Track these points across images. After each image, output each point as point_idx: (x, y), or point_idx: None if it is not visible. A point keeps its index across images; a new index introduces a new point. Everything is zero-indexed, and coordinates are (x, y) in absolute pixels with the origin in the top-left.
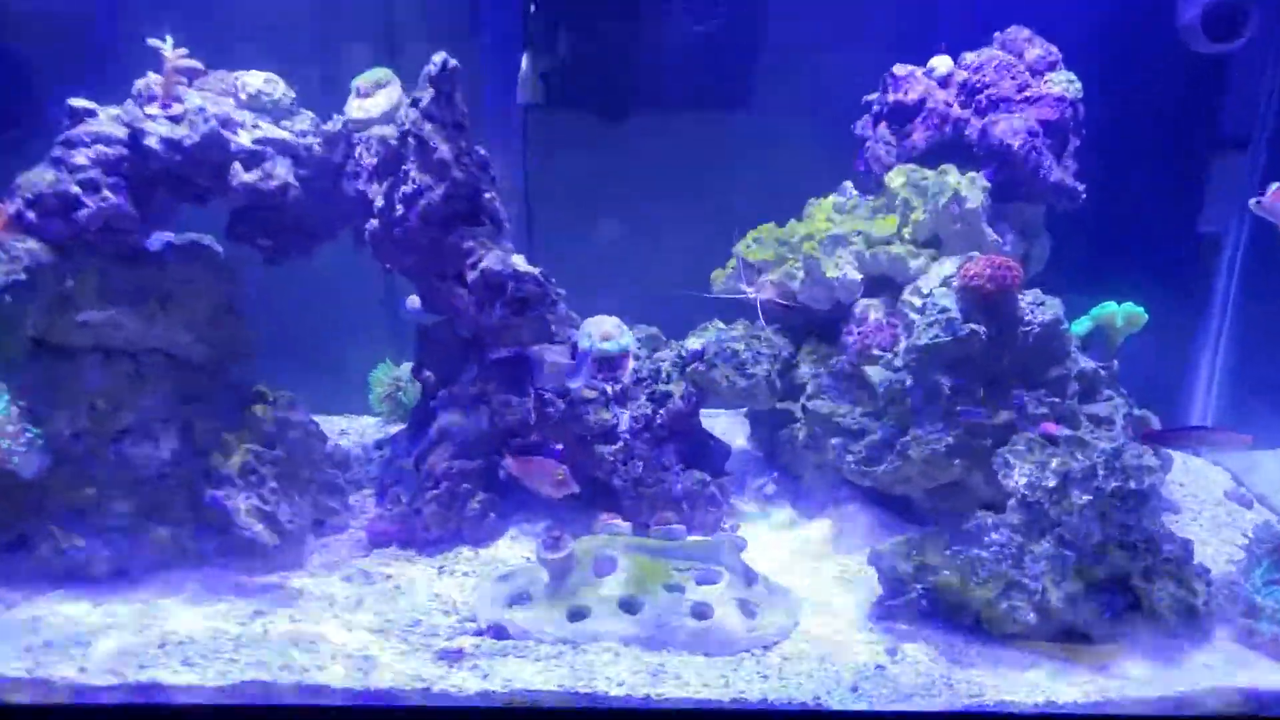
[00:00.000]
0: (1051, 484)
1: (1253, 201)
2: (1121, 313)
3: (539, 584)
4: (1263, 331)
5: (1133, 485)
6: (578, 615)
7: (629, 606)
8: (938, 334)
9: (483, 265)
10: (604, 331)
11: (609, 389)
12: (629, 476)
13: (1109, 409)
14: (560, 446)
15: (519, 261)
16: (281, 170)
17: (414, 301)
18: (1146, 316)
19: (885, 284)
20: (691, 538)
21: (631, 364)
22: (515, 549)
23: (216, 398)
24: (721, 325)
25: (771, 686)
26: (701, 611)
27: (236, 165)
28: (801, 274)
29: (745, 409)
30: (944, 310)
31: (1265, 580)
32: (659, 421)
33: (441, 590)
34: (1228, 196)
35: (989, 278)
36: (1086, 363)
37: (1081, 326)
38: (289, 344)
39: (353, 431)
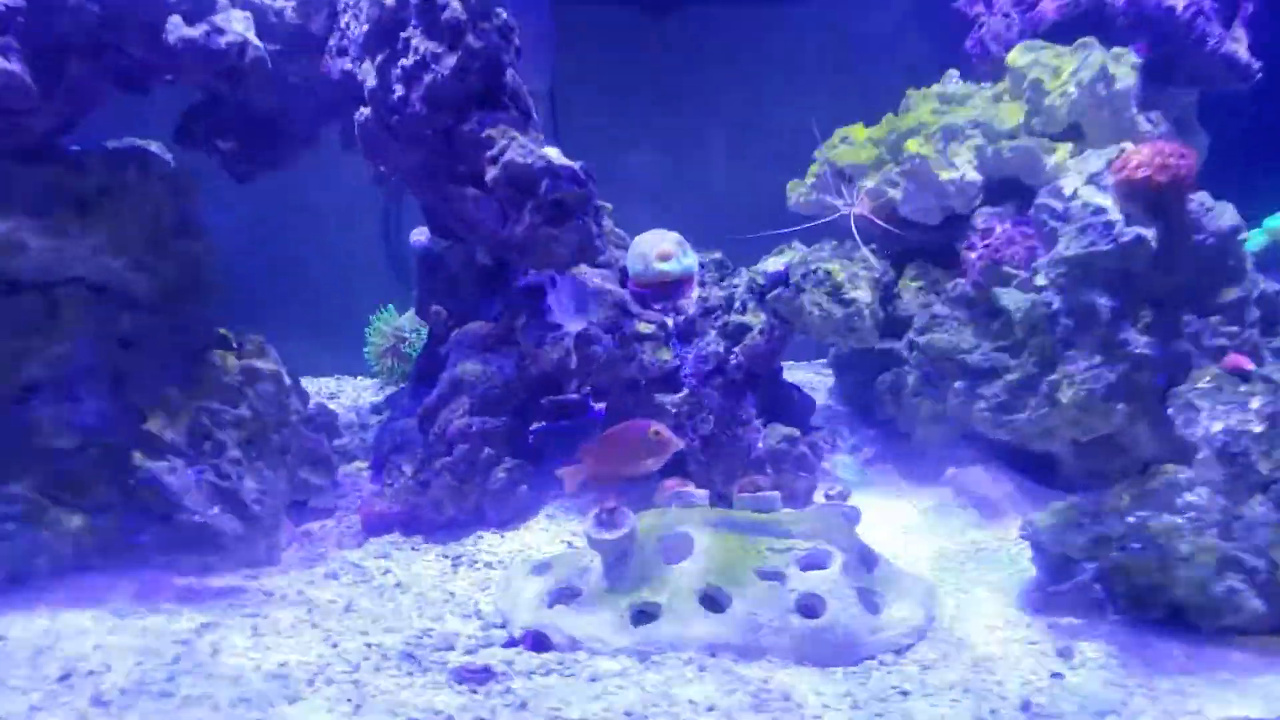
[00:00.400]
0: (1258, 429)
1: None
2: None
3: (590, 575)
4: None
5: None
6: (644, 616)
7: (713, 601)
8: (1093, 241)
9: (506, 158)
10: (661, 250)
11: (669, 321)
12: (698, 433)
13: None
14: (601, 407)
15: (553, 154)
16: (238, 26)
17: (422, 235)
18: None
19: (1009, 190)
20: (788, 510)
21: (697, 291)
22: (553, 531)
23: (161, 343)
24: (802, 247)
25: (916, 707)
26: (810, 606)
27: (175, 18)
28: (903, 181)
29: (825, 358)
30: (1099, 211)
31: None
32: (734, 362)
33: (459, 588)
34: None
35: (1159, 167)
36: (1268, 284)
37: (1255, 242)
38: (265, 292)
39: (345, 395)
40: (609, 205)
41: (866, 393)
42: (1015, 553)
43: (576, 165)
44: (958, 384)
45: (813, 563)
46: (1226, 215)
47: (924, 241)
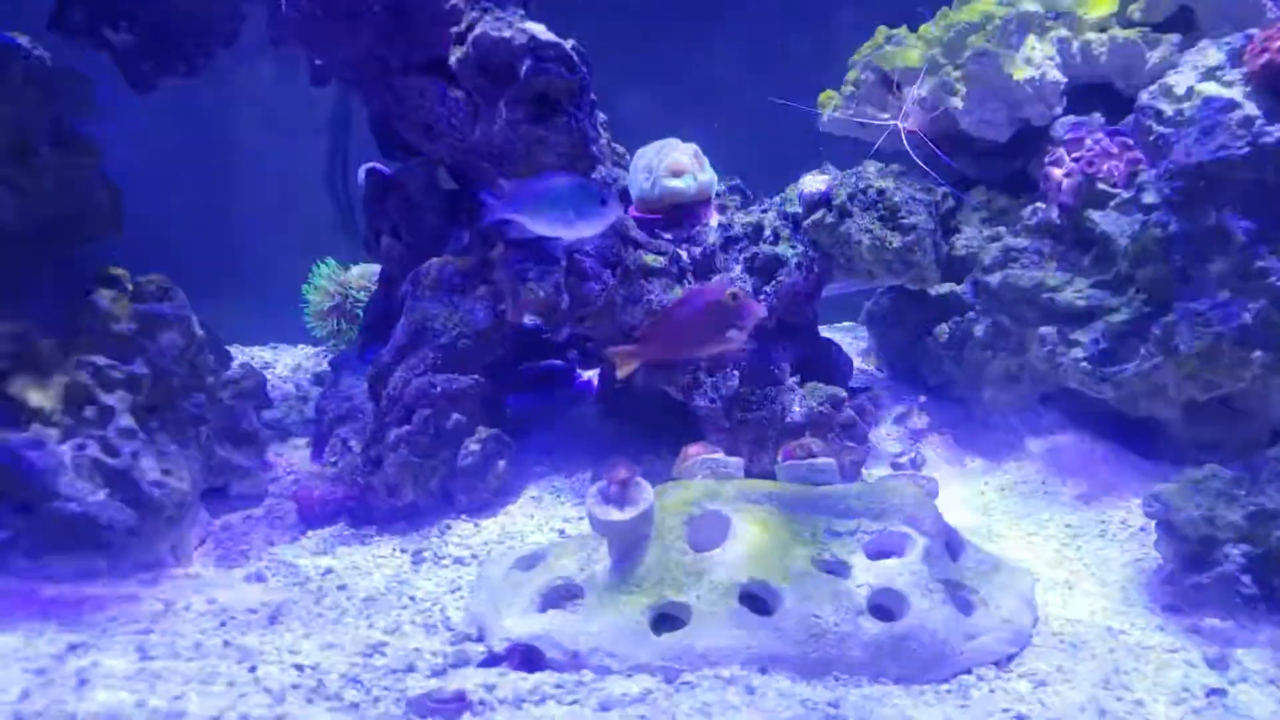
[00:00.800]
0: None
1: None
2: None
3: (595, 568)
4: None
5: None
6: (669, 621)
7: (758, 601)
8: (1223, 144)
9: (477, 33)
10: (673, 163)
11: (683, 254)
12: (719, 394)
13: None
14: (590, 376)
15: (538, 29)
16: None
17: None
18: None
19: (1097, 96)
20: (850, 483)
21: (716, 217)
22: (540, 516)
23: (30, 282)
24: (837, 172)
25: None
26: (885, 605)
27: None
28: (965, 86)
29: (852, 321)
30: (1229, 107)
31: None
32: (765, 302)
33: (421, 590)
34: None
35: None
36: None
37: None
38: (177, 239)
39: (281, 365)
40: (602, 115)
41: (913, 351)
42: (1125, 537)
43: (567, 44)
44: (1044, 330)
45: (885, 549)
46: None
47: (992, 160)
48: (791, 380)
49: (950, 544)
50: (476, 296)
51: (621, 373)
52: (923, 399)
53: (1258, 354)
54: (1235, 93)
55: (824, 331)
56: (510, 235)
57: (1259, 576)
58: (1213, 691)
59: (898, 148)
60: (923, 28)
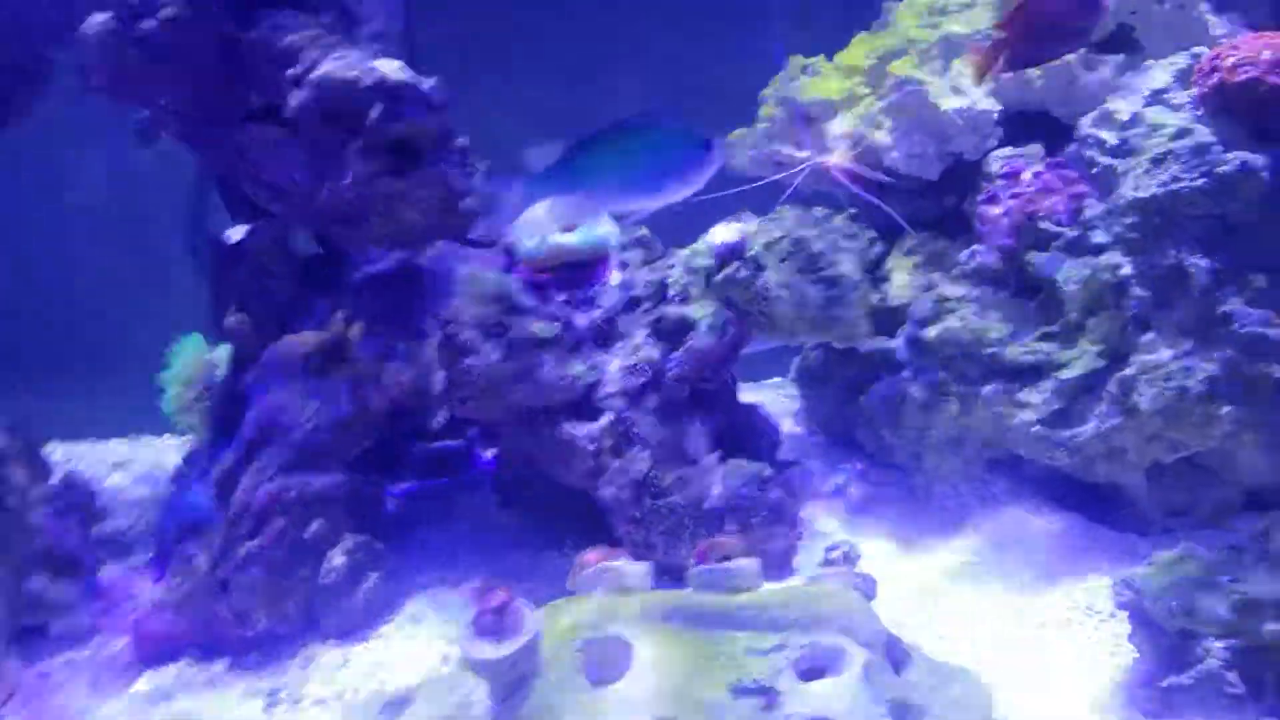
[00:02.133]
0: None
1: None
2: None
3: (474, 712)
4: None
5: None
6: None
7: None
8: (1176, 175)
9: (318, 74)
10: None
11: (578, 320)
12: (628, 478)
13: None
14: (491, 455)
15: (389, 67)
16: None
17: (238, 234)
18: None
19: (1033, 125)
20: (771, 585)
21: (617, 275)
22: (423, 637)
23: None
24: (755, 219)
25: None
26: None
27: None
28: (889, 119)
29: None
30: (1181, 134)
31: None
32: (673, 372)
33: None
34: None
35: (1269, 65)
36: None
37: None
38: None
39: (139, 461)
40: (484, 163)
41: (847, 413)
42: (1092, 627)
43: (425, 84)
44: (987, 389)
45: (817, 665)
46: None
47: (922, 201)
48: (710, 458)
49: (894, 654)
50: (335, 381)
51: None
52: (859, 467)
53: (1226, 409)
54: (1185, 117)
55: (750, 391)
56: (372, 301)
57: (1246, 673)
58: None
59: (819, 189)
60: (841, 55)
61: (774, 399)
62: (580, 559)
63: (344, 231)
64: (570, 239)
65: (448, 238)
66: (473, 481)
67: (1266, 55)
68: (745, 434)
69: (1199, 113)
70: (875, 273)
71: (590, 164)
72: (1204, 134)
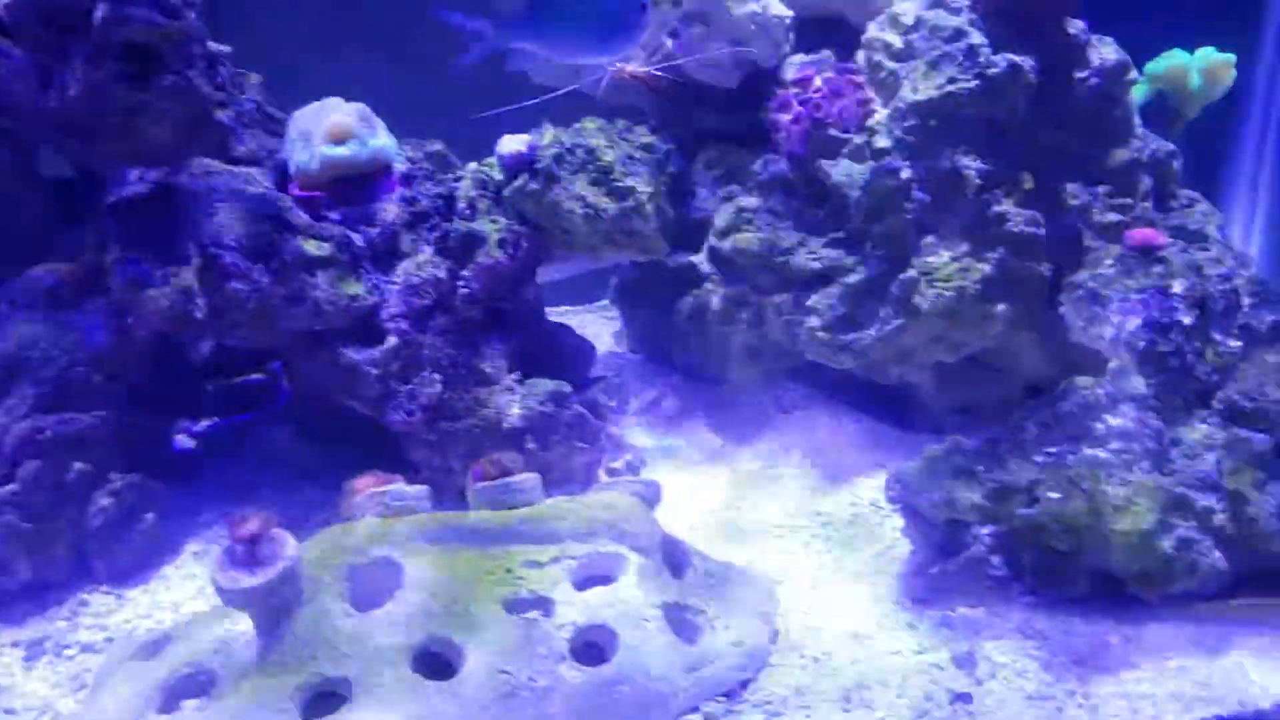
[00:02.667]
0: (1187, 319)
1: None
2: (1198, 65)
3: (234, 647)
4: None
5: None
6: (325, 701)
7: (438, 662)
8: (951, 77)
9: None
10: (334, 127)
11: (355, 237)
12: (418, 402)
13: (1198, 218)
14: (284, 384)
15: None
16: None
17: None
18: (1234, 70)
19: (831, 33)
20: (554, 499)
21: (400, 190)
22: (205, 579)
23: None
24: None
25: None
26: (595, 644)
27: None
28: (683, 25)
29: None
30: (956, 36)
31: None
32: (464, 291)
33: (29, 695)
34: None
35: None
36: (1158, 144)
37: (1138, 91)
38: None
39: None
40: (256, 76)
41: (661, 329)
42: (877, 522)
43: None
44: (779, 298)
45: (595, 574)
46: (1110, 49)
47: (722, 110)
48: (509, 378)
49: (674, 558)
50: (90, 312)
51: None
52: (673, 380)
53: (1001, 307)
54: (962, 20)
55: (577, 312)
56: (126, 226)
57: (1009, 556)
58: (958, 697)
59: (626, 101)
60: None
61: (597, 320)
62: (350, 485)
63: (84, 149)
64: (342, 151)
65: (203, 154)
66: (279, 416)
67: None
68: (553, 354)
69: (974, 15)
70: (680, 185)
71: (551, 15)
72: (977, 36)
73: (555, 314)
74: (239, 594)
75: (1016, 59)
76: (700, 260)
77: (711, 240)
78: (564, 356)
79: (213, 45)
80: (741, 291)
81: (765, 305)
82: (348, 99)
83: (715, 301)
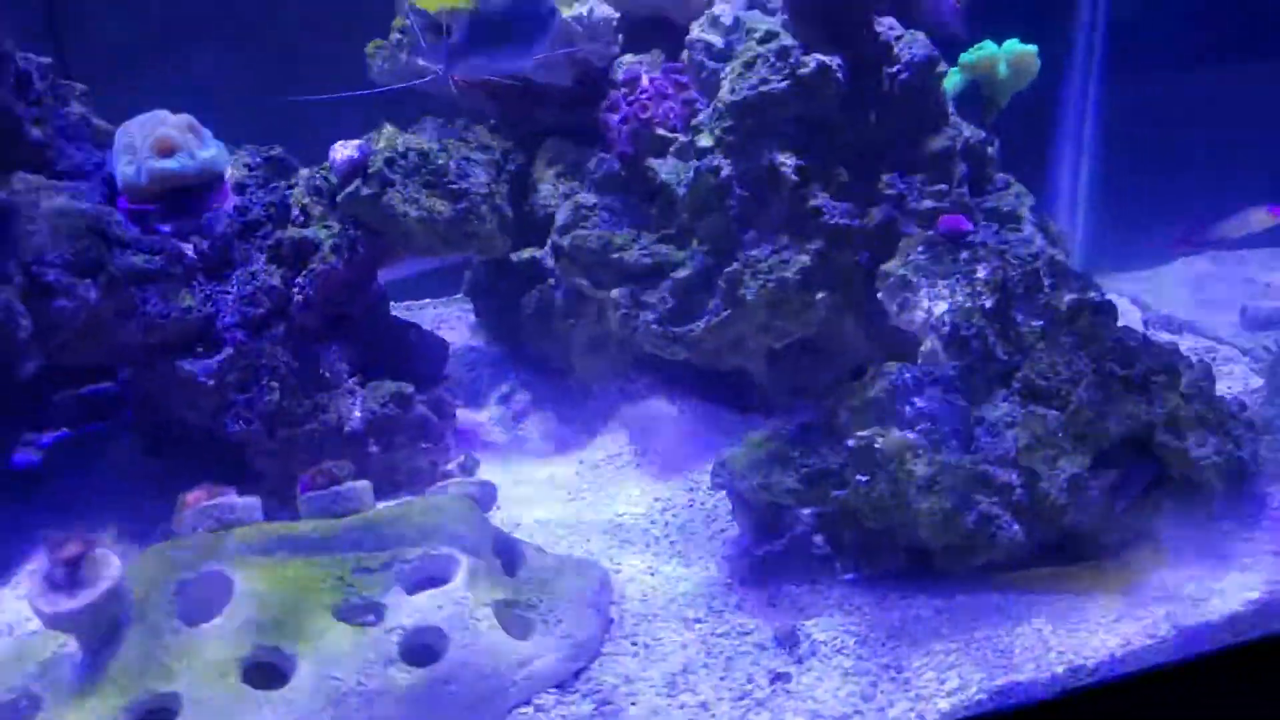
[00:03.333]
0: (989, 303)
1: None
2: (1005, 55)
3: (62, 669)
4: (1139, 103)
5: (1093, 296)
6: (156, 717)
7: (271, 671)
8: (764, 78)
9: None
10: (160, 140)
11: (186, 249)
12: (256, 410)
13: (1012, 200)
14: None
15: None
16: None
17: None
18: (1038, 60)
19: (659, 32)
20: (386, 504)
21: (233, 200)
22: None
23: None
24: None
25: None
26: (427, 646)
27: None
28: None
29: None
30: (768, 37)
31: None
32: (299, 298)
33: None
34: None
35: None
36: (972, 131)
37: (950, 81)
38: None
39: None
40: (80, 86)
41: (513, 322)
42: (712, 505)
43: None
44: (616, 293)
45: (427, 577)
46: (919, 43)
47: (563, 107)
48: (351, 381)
49: (508, 555)
50: None
51: None
52: (524, 374)
53: (821, 295)
54: (776, 22)
55: (438, 304)
56: None
57: (830, 535)
58: (777, 677)
59: (471, 104)
60: None
61: (457, 312)
62: (181, 500)
63: None
64: (169, 164)
65: (15, 169)
66: (126, 427)
67: None
68: (400, 354)
69: (786, 17)
70: (524, 182)
71: (484, 39)
72: (788, 38)
73: (417, 306)
74: (59, 618)
75: (825, 59)
76: (544, 255)
77: (553, 236)
78: (412, 356)
79: (31, 58)
80: (582, 286)
81: (604, 300)
82: (195, 97)
83: (558, 296)
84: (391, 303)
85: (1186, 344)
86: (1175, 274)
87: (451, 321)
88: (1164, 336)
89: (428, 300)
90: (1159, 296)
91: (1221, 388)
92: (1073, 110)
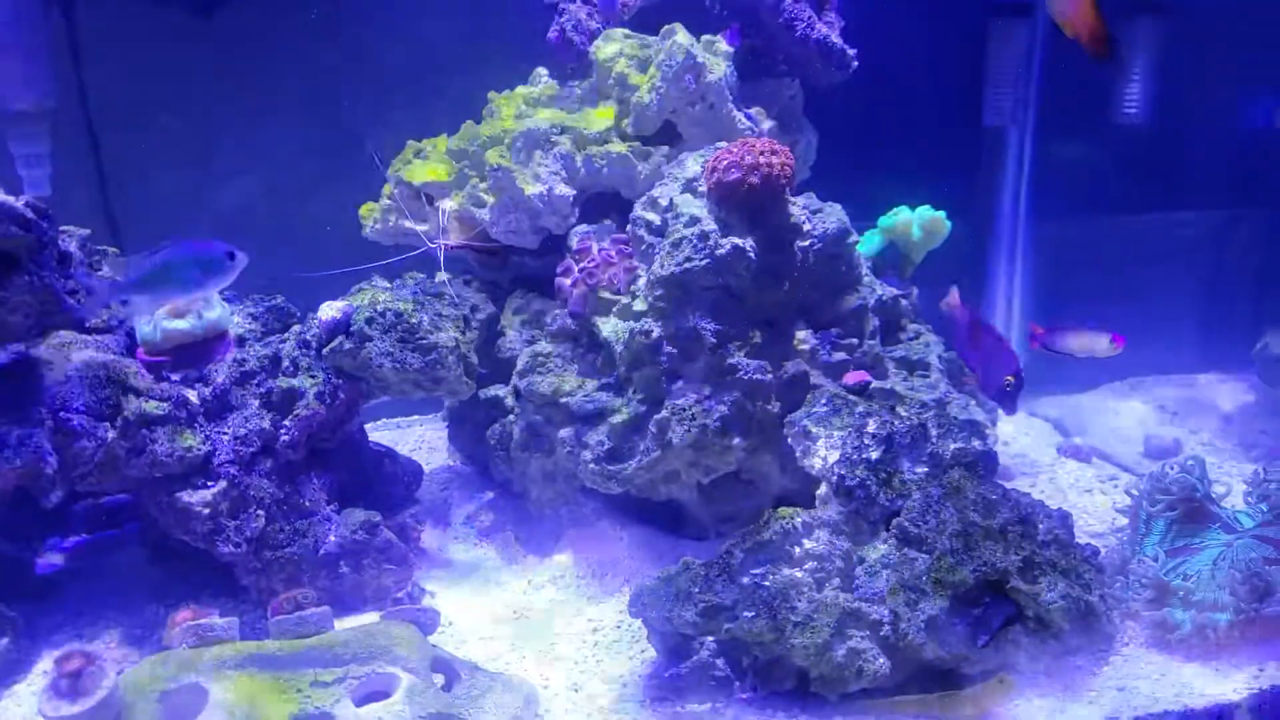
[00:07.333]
0: (875, 455)
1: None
2: (918, 220)
3: None
4: (1062, 244)
5: (977, 445)
6: None
7: None
8: (688, 257)
9: None
10: (174, 304)
11: (192, 396)
12: (244, 535)
13: (921, 349)
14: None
15: None
16: None
17: None
18: (949, 223)
19: (609, 204)
20: (339, 630)
21: (235, 352)
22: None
23: None
24: (386, 284)
25: None
26: None
27: None
28: (489, 199)
29: (445, 408)
30: (693, 221)
31: (1167, 549)
32: (285, 438)
33: None
34: (1015, 75)
35: (749, 167)
36: (884, 289)
37: (870, 243)
38: None
39: None
40: (113, 249)
41: (482, 447)
42: (639, 628)
43: (19, 201)
44: (564, 433)
45: (373, 691)
46: (833, 218)
47: (530, 265)
48: (328, 509)
49: (447, 673)
50: None
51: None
52: (490, 496)
53: (738, 440)
54: (700, 205)
55: (416, 426)
56: None
57: (730, 659)
58: None
59: (450, 255)
60: (451, 140)
61: (438, 430)
62: (172, 618)
63: None
64: (180, 324)
65: (54, 330)
66: (137, 537)
67: (748, 159)
68: (376, 480)
69: (709, 203)
70: (494, 328)
71: (153, 273)
72: (709, 222)
73: (405, 422)
74: None
75: (740, 241)
76: (507, 394)
77: (515, 379)
78: (384, 483)
79: (72, 232)
80: (536, 424)
81: (554, 437)
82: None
83: (517, 431)
84: (383, 419)
85: (1091, 472)
86: (1097, 400)
87: (433, 441)
88: (1071, 464)
89: (416, 416)
90: (1077, 421)
91: (1108, 518)
92: (1004, 249)
